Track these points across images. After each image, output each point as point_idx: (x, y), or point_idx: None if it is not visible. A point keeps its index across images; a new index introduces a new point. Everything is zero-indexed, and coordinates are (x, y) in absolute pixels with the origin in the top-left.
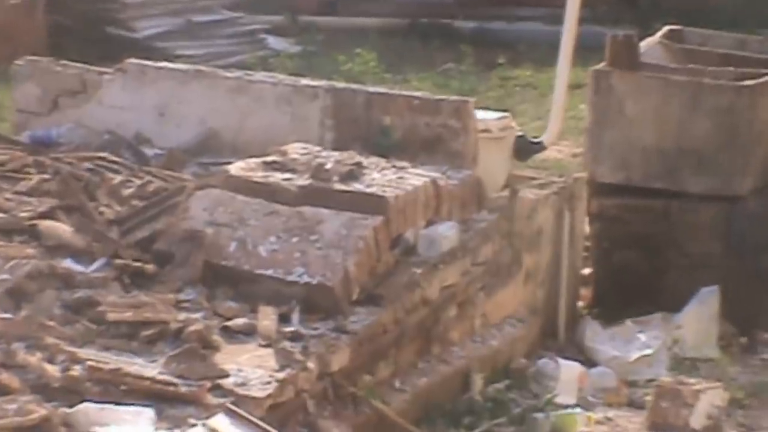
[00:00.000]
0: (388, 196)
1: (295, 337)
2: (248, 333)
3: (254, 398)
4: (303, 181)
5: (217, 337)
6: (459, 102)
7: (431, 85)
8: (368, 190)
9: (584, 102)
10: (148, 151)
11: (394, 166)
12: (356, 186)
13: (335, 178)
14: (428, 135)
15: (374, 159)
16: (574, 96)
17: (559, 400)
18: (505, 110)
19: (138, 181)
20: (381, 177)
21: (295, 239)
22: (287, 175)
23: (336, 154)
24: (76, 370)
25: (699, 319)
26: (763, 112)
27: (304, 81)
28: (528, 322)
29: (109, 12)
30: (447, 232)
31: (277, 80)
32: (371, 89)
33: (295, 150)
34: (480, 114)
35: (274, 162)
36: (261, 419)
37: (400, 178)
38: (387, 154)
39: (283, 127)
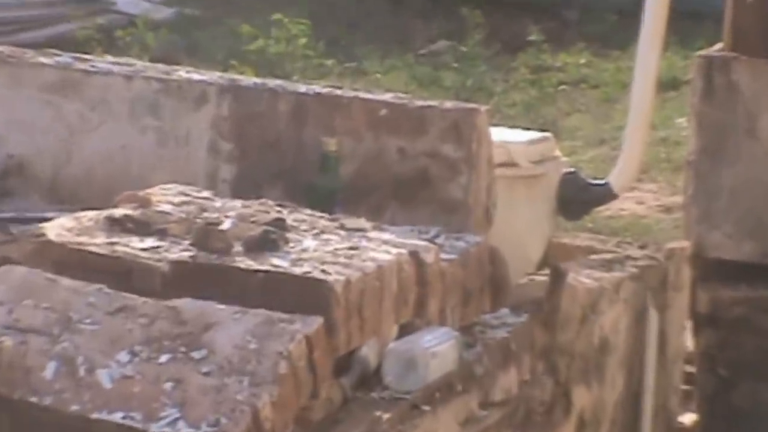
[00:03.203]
0: (332, 280)
1: None
2: None
3: None
4: (179, 252)
5: None
6: (460, 112)
7: (408, 79)
8: (296, 270)
9: (685, 114)
10: None
11: (342, 227)
12: (275, 262)
13: (237, 247)
14: (405, 171)
15: (307, 214)
16: (666, 102)
17: None
18: (543, 129)
19: None
20: (319, 246)
21: (164, 358)
22: (151, 242)
23: (238, 204)
24: None
25: None
26: None
27: (182, 72)
28: None
29: None
30: (437, 347)
31: (132, 70)
32: (302, 88)
33: (166, 196)
34: (499, 133)
35: (126, 218)
36: None
37: (354, 249)
38: (330, 204)
39: (144, 155)
